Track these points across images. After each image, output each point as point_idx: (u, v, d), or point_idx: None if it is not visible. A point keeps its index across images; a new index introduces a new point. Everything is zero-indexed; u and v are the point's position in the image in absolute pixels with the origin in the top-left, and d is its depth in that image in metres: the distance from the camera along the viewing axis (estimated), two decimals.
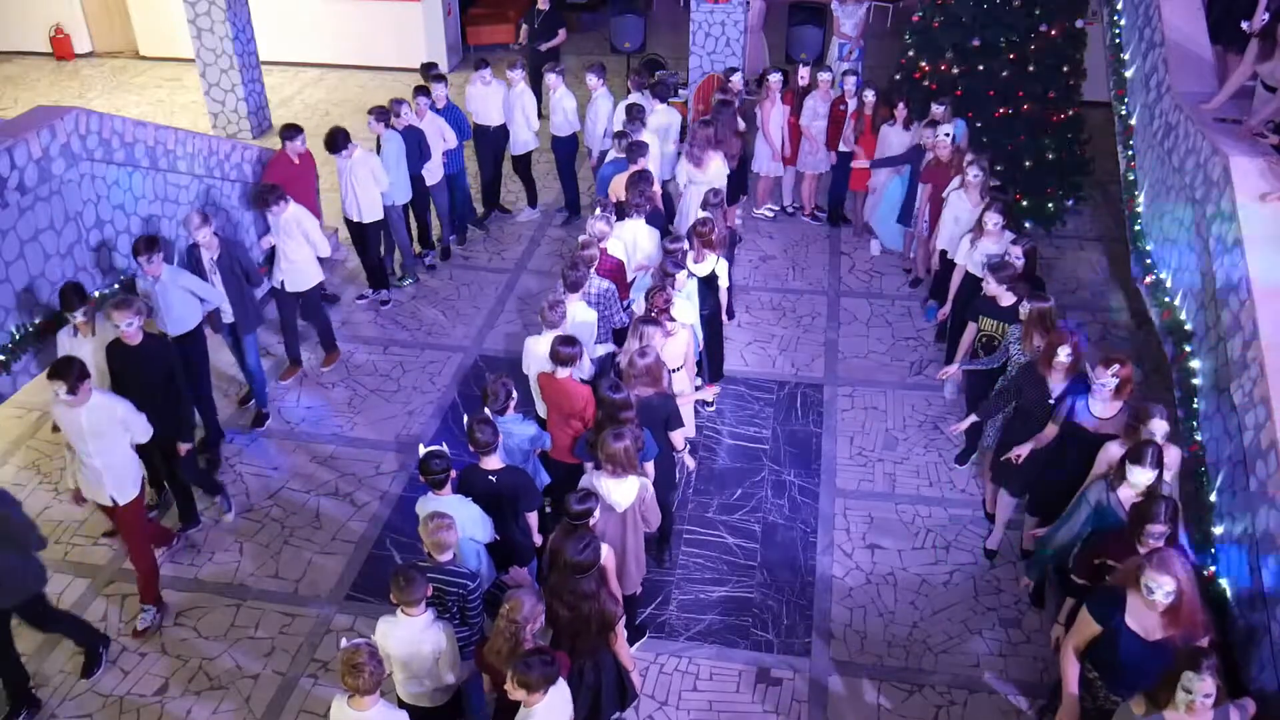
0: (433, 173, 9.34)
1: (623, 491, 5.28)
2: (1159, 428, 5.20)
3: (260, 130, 12.52)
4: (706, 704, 5.73)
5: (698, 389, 7.17)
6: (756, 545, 6.71)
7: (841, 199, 10.24)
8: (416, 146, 8.96)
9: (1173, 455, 5.31)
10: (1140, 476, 4.98)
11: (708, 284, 7.36)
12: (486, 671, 4.70)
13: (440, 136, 9.24)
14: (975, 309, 6.90)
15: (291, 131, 8.31)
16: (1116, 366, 5.55)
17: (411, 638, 4.58)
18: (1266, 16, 7.08)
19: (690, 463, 6.66)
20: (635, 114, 8.76)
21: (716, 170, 8.62)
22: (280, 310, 8.13)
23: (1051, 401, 5.89)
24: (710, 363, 7.77)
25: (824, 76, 9.59)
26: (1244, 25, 7.16)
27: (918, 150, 8.72)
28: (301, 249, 7.78)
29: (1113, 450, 5.41)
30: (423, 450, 5.20)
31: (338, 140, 8.33)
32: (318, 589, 6.44)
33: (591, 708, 4.97)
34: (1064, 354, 5.78)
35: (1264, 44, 6.71)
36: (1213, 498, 5.66)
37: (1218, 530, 5.53)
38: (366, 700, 4.13)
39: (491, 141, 9.98)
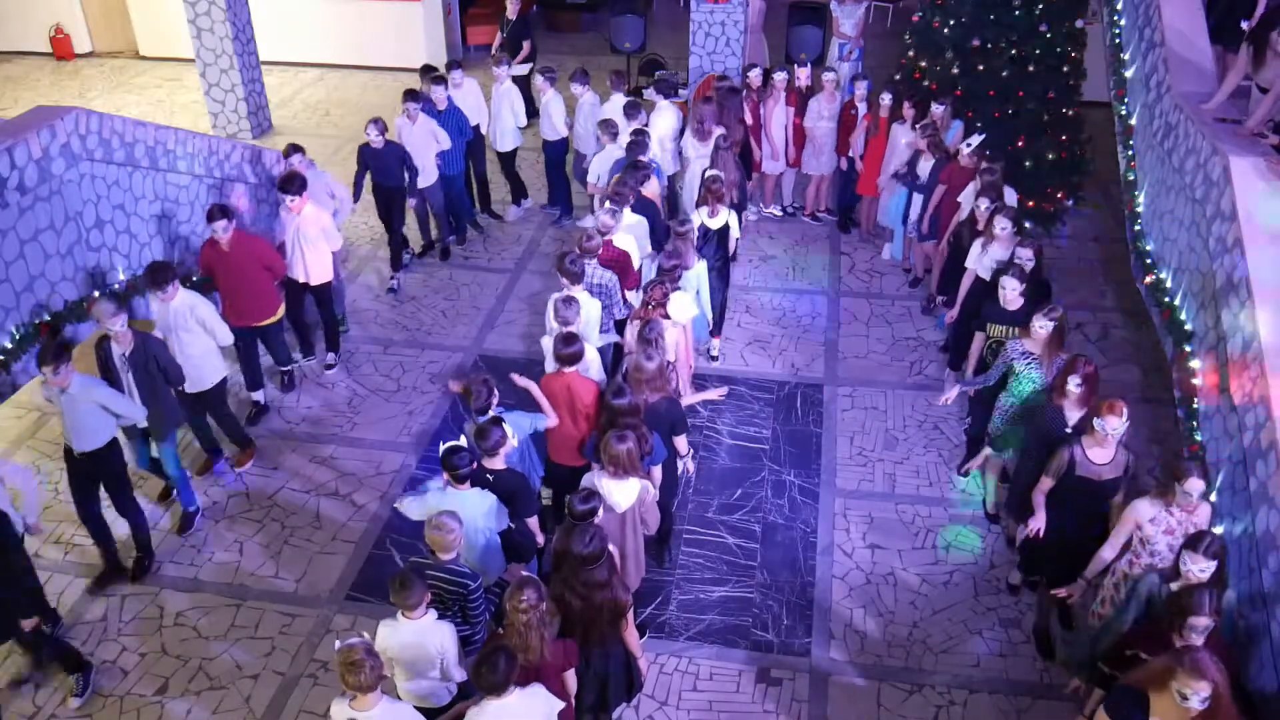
0: (427, 174, 9.23)
1: (624, 493, 5.30)
2: (1195, 486, 4.87)
3: (260, 130, 12.52)
4: (706, 704, 5.73)
5: (701, 378, 7.21)
6: (756, 545, 6.71)
7: (851, 204, 10.22)
8: (399, 162, 8.76)
9: (1203, 514, 5.07)
10: (1196, 565, 4.55)
11: (720, 237, 7.83)
12: None
13: (433, 138, 9.13)
14: (983, 317, 6.71)
15: (215, 213, 7.02)
16: (1125, 410, 5.23)
17: (413, 640, 4.58)
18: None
19: (691, 468, 6.69)
20: (632, 111, 8.94)
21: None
22: (185, 408, 7.02)
23: (1069, 430, 5.57)
24: (715, 313, 8.00)
25: (829, 78, 9.57)
26: (1244, 25, 7.16)
27: (917, 156, 8.68)
28: (198, 341, 6.72)
29: (1141, 509, 5.06)
30: (444, 446, 5.24)
31: (293, 183, 7.53)
32: (318, 589, 6.44)
33: (599, 696, 5.01)
34: (1073, 383, 5.52)
35: (1255, 51, 6.72)
36: (1213, 498, 5.66)
37: (1218, 530, 5.53)
38: (369, 698, 4.10)
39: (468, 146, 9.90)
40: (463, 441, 5.34)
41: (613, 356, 7.26)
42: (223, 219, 7.00)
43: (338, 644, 4.12)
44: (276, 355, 7.99)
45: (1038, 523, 5.54)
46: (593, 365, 6.44)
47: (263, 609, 6.30)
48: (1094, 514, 5.46)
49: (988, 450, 6.35)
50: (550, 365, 6.43)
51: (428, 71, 9.57)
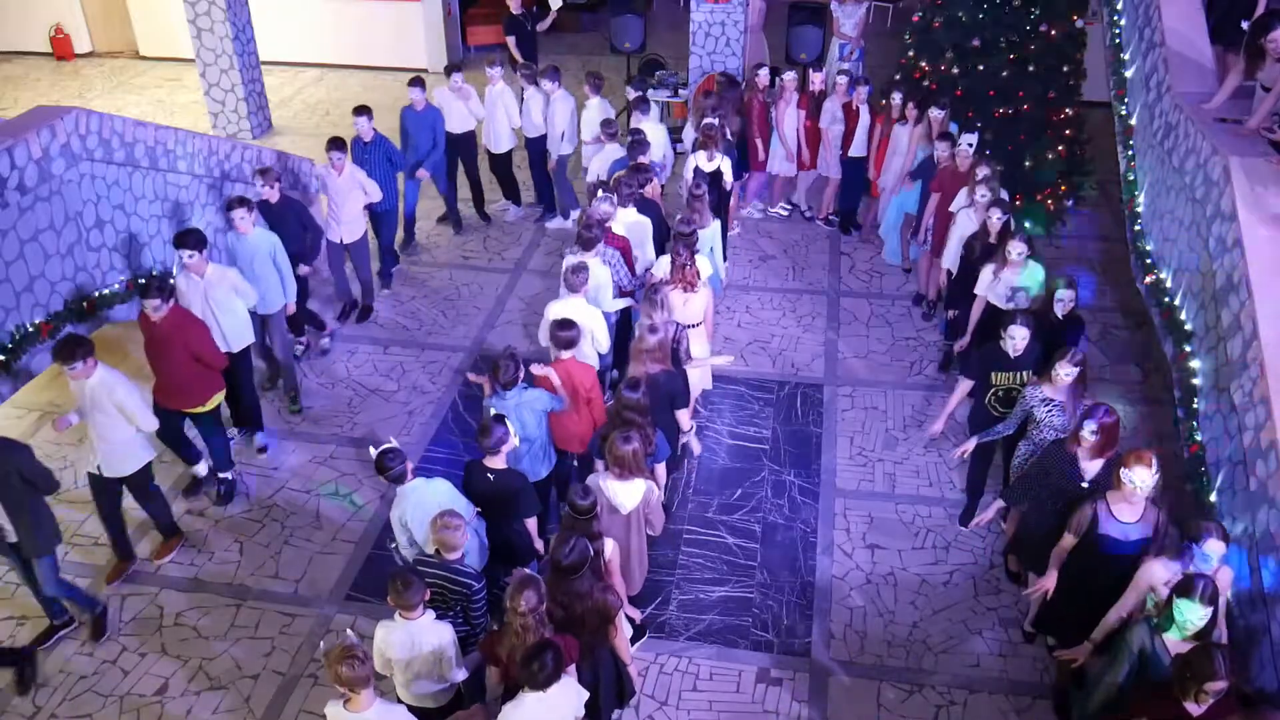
0: (353, 228, 8.49)
1: (628, 494, 5.32)
2: (1216, 549, 4.49)
3: (260, 130, 12.52)
4: (706, 704, 5.73)
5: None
6: (756, 545, 6.71)
7: (853, 207, 10.17)
8: (298, 223, 7.78)
9: (1225, 577, 4.68)
10: (1192, 614, 4.20)
11: (713, 180, 8.45)
12: (495, 664, 4.71)
13: (360, 190, 8.36)
14: (977, 363, 6.29)
15: (150, 289, 6.20)
16: (1155, 461, 4.83)
17: (411, 640, 4.59)
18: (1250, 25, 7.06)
19: (696, 446, 6.88)
20: (641, 107, 9.12)
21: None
22: (96, 499, 6.33)
23: (1085, 484, 5.28)
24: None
25: (841, 81, 9.49)
26: (1244, 25, 7.16)
27: (930, 162, 8.53)
28: (119, 425, 5.99)
29: (1155, 571, 4.68)
30: (374, 451, 5.28)
31: (189, 238, 6.62)
32: (318, 589, 6.44)
33: (590, 705, 4.97)
34: (1088, 430, 5.19)
35: (1248, 57, 6.71)
36: (1213, 498, 5.66)
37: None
38: (363, 699, 4.10)
39: (461, 148, 9.86)
40: (393, 442, 5.37)
41: (620, 322, 7.52)
42: (157, 298, 6.17)
43: (322, 645, 4.09)
44: (211, 454, 7.01)
45: (1047, 583, 5.21)
46: (598, 331, 6.62)
47: (263, 609, 6.30)
48: (1118, 576, 4.95)
49: (1000, 502, 5.87)
50: (540, 330, 6.76)
51: (415, 84, 9.19)
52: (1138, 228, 7.91)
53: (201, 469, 7.09)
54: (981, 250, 7.27)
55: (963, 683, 5.82)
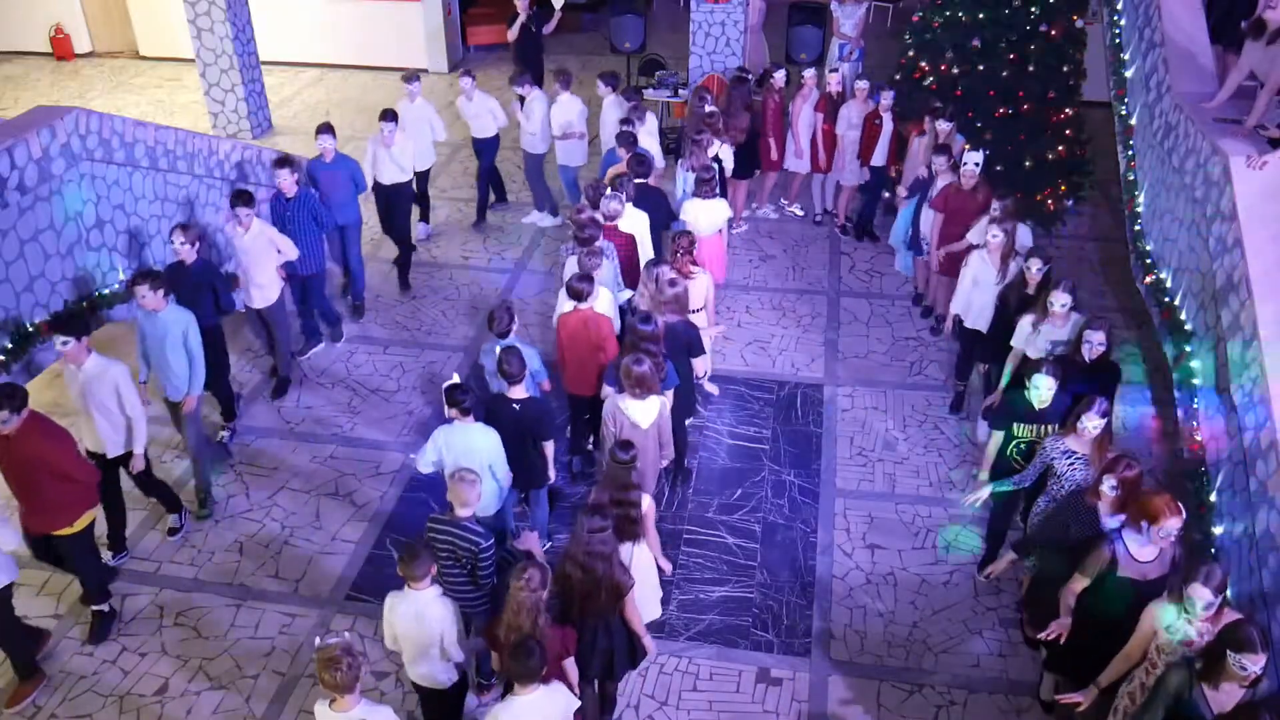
0: (267, 293, 7.52)
1: (645, 411, 5.81)
2: (1201, 595, 4.21)
3: (260, 130, 12.53)
4: (706, 704, 5.73)
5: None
6: (756, 545, 6.71)
7: (871, 215, 10.11)
8: (209, 290, 6.92)
9: (1225, 621, 4.38)
10: (1256, 664, 3.96)
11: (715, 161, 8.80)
12: (495, 648, 4.73)
13: (273, 249, 7.41)
14: (1003, 413, 5.91)
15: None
16: (1183, 512, 4.61)
17: (417, 611, 4.68)
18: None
19: (712, 389, 7.37)
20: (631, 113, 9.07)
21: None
22: None
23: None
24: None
25: (861, 85, 9.41)
26: (1244, 25, 7.16)
27: (934, 177, 8.24)
28: None
29: (1154, 614, 4.47)
30: (445, 384, 5.60)
31: (65, 323, 5.83)
32: (318, 589, 6.44)
33: (605, 668, 5.12)
34: (1108, 485, 4.90)
35: (1254, 35, 6.70)
36: (1213, 498, 5.67)
37: (1218, 530, 5.53)
38: (348, 700, 4.12)
39: (400, 195, 9.13)
40: (457, 379, 5.71)
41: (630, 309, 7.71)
42: (6, 409, 5.26)
43: (317, 640, 4.12)
44: (83, 583, 6.04)
45: (1061, 626, 4.89)
46: (608, 310, 6.79)
47: (263, 609, 6.30)
48: (1135, 618, 4.69)
49: (1012, 555, 5.64)
50: (556, 313, 6.92)
51: (324, 130, 8.27)
52: (1138, 228, 7.92)
53: (103, 606, 6.10)
54: (1018, 302, 6.73)
55: (963, 683, 5.82)
